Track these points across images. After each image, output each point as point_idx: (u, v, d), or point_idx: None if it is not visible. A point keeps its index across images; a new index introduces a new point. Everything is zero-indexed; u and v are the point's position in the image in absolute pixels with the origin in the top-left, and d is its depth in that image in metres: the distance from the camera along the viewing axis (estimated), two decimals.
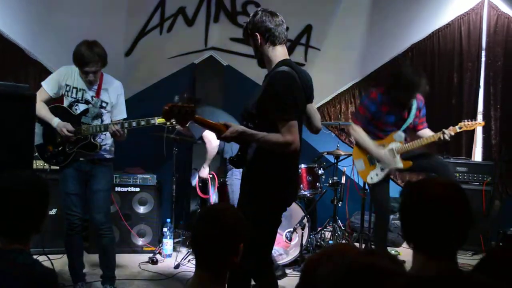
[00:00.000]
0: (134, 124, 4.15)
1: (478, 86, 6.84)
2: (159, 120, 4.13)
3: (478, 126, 4.78)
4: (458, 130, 4.56)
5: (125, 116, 4.37)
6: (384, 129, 4.68)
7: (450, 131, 4.48)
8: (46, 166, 4.57)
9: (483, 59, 6.82)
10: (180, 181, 5.99)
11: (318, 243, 5.82)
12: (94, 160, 4.29)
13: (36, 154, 4.21)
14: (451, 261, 1.79)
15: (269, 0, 6.05)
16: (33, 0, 5.56)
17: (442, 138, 4.50)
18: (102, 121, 4.26)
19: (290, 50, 6.33)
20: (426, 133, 4.76)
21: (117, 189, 5.56)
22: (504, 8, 6.63)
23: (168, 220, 5.64)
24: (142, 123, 4.16)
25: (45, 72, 5.76)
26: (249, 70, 6.32)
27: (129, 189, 5.67)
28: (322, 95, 6.83)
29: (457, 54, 6.82)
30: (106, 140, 4.33)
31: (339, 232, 5.72)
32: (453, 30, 6.81)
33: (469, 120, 4.73)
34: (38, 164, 4.94)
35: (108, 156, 4.37)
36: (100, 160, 4.32)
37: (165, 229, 5.58)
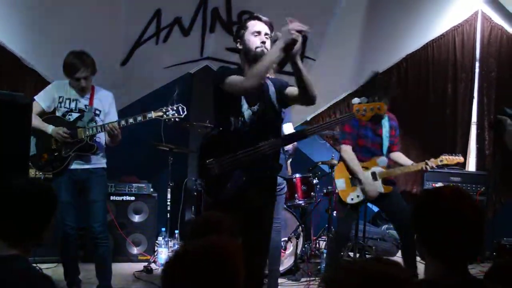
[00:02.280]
0: (131, 120, 4.22)
1: (472, 97, 6.90)
2: (155, 114, 4.23)
3: (458, 161, 4.88)
4: (440, 163, 4.70)
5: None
6: (363, 146, 4.69)
7: (432, 163, 4.66)
8: (38, 175, 4.59)
9: (477, 69, 6.89)
10: (175, 190, 6.00)
11: (313, 253, 5.83)
12: (89, 169, 4.32)
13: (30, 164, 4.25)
14: (464, 270, 1.80)
15: (264, 12, 6.08)
16: (29, 9, 5.57)
17: (424, 168, 4.68)
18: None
19: (285, 61, 6.37)
20: (399, 157, 4.86)
21: (112, 198, 5.56)
22: (497, 19, 6.70)
23: (163, 229, 5.64)
24: (139, 118, 4.22)
25: (42, 81, 5.79)
26: None
27: (124, 198, 5.67)
28: (317, 105, 6.78)
29: (451, 65, 6.88)
30: (100, 150, 4.37)
31: None
32: (447, 41, 6.88)
33: (451, 154, 4.84)
34: (30, 174, 4.92)
35: (101, 165, 4.41)
36: (95, 169, 4.35)
37: (160, 238, 5.59)
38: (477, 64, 6.89)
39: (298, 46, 3.03)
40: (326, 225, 5.84)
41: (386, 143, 4.72)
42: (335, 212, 5.86)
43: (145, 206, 5.72)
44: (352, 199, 4.65)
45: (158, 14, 6.05)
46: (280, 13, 6.01)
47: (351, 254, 5.57)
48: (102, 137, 4.38)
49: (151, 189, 5.80)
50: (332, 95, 7.00)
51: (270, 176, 3.38)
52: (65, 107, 4.30)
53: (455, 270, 1.78)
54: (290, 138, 3.63)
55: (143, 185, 5.76)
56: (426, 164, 4.65)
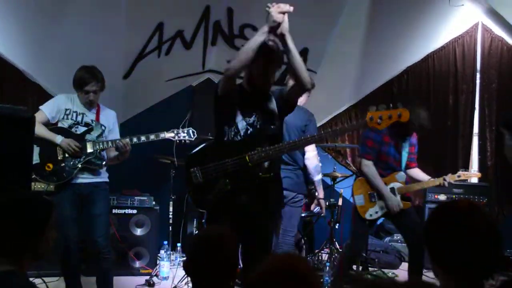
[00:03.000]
0: (143, 138, 4.27)
1: (473, 108, 6.88)
2: (168, 135, 4.31)
3: (475, 177, 4.87)
4: (457, 179, 4.70)
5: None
6: (385, 162, 4.64)
7: (449, 179, 4.65)
8: (42, 187, 4.57)
9: (477, 81, 6.87)
10: (177, 203, 5.97)
11: (315, 265, 5.77)
12: (93, 184, 4.31)
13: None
14: (478, 285, 1.76)
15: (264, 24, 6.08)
16: (32, 23, 5.59)
17: (442, 184, 4.67)
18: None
19: (287, 73, 6.38)
20: (417, 173, 4.82)
21: (114, 211, 5.52)
22: (497, 31, 6.70)
23: (165, 242, 5.60)
24: (152, 137, 4.28)
25: (44, 95, 5.78)
26: None
27: (126, 211, 5.63)
28: (319, 117, 6.83)
29: (452, 76, 6.88)
30: (106, 160, 4.40)
31: (336, 254, 5.68)
32: (447, 52, 6.88)
33: (468, 170, 4.84)
34: (37, 186, 4.87)
35: (104, 179, 4.41)
36: (99, 183, 4.35)
37: (162, 251, 5.55)
38: (478, 76, 6.88)
39: (285, 25, 3.16)
40: (328, 238, 5.81)
41: (404, 160, 4.68)
42: (337, 224, 5.83)
43: (147, 219, 5.67)
44: (371, 215, 4.60)
45: (160, 27, 6.07)
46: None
47: (354, 266, 5.53)
48: (104, 152, 4.40)
49: (153, 202, 5.76)
50: (333, 107, 6.98)
51: (259, 184, 3.34)
52: (71, 119, 4.31)
53: (468, 286, 1.73)
54: (286, 147, 3.55)
55: (145, 198, 5.72)
56: (444, 179, 4.65)
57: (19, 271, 2.05)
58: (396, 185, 4.58)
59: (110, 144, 4.27)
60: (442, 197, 6.18)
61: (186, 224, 6.25)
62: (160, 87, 6.42)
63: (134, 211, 5.65)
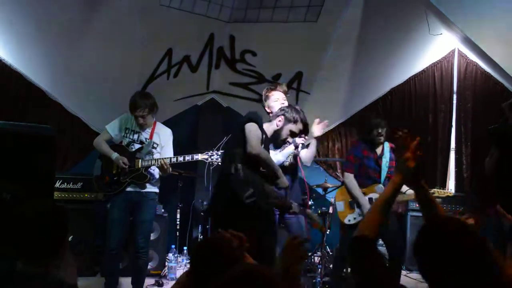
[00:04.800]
0: (180, 159, 4.42)
1: (451, 126, 6.91)
2: (202, 156, 4.42)
3: (447, 195, 4.94)
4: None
5: (171, 155, 4.59)
6: (365, 173, 4.71)
7: None
8: (101, 197, 4.94)
9: (454, 101, 6.91)
10: (184, 211, 5.99)
11: (309, 267, 5.78)
12: (142, 193, 4.49)
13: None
14: None
15: (264, 52, 6.17)
16: (54, 46, 5.64)
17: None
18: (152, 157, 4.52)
19: None
20: None
21: None
22: (472, 57, 6.75)
23: (173, 246, 5.62)
24: (187, 158, 4.42)
25: (65, 113, 5.81)
26: (247, 110, 6.36)
27: None
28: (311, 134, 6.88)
29: (432, 97, 6.91)
30: (154, 176, 4.54)
31: (327, 257, 5.69)
32: (427, 76, 6.92)
33: (442, 188, 4.93)
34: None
35: (154, 190, 4.58)
36: (148, 193, 4.52)
37: (170, 254, 5.56)
38: (454, 97, 6.92)
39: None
40: (320, 242, 5.81)
41: (384, 173, 4.73)
42: (328, 230, 5.85)
43: (157, 225, 5.68)
44: (349, 220, 4.66)
45: (169, 53, 6.16)
46: (279, 52, 6.12)
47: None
48: (155, 167, 4.53)
49: (162, 210, 5.79)
50: None
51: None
52: (129, 138, 4.52)
53: None
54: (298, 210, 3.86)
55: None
56: None
57: (50, 273, 2.09)
58: (375, 195, 4.63)
59: (153, 162, 4.42)
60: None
61: (192, 230, 6.27)
62: (169, 106, 6.47)
63: None
